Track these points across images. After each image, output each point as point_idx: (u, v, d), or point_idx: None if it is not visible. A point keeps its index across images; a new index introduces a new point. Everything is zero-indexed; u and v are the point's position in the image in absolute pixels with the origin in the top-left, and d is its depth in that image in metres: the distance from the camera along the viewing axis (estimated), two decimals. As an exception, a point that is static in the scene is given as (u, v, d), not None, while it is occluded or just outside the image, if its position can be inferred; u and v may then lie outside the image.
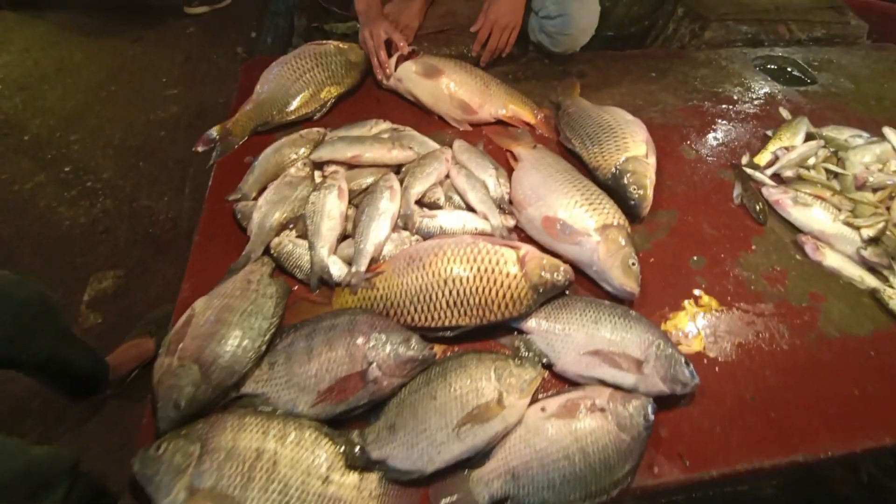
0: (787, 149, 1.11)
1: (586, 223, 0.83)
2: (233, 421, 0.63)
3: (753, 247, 0.95)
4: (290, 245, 0.84)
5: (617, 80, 1.33)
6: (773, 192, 1.02)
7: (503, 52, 1.28)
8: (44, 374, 0.97)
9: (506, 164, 1.04)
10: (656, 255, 0.92)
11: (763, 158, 1.12)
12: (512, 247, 0.80)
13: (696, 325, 0.83)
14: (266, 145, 1.00)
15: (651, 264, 0.90)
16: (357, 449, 0.65)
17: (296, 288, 0.82)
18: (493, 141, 1.10)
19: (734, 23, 1.53)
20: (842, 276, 0.91)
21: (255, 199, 0.91)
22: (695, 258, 0.92)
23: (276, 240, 0.85)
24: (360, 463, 0.64)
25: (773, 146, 1.13)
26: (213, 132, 1.04)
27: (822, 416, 0.74)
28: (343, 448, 0.64)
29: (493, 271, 0.76)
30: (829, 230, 0.95)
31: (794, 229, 0.99)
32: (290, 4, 2.42)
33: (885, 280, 0.91)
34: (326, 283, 0.82)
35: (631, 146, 0.98)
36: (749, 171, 1.08)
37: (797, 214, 0.98)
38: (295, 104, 1.07)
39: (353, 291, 0.79)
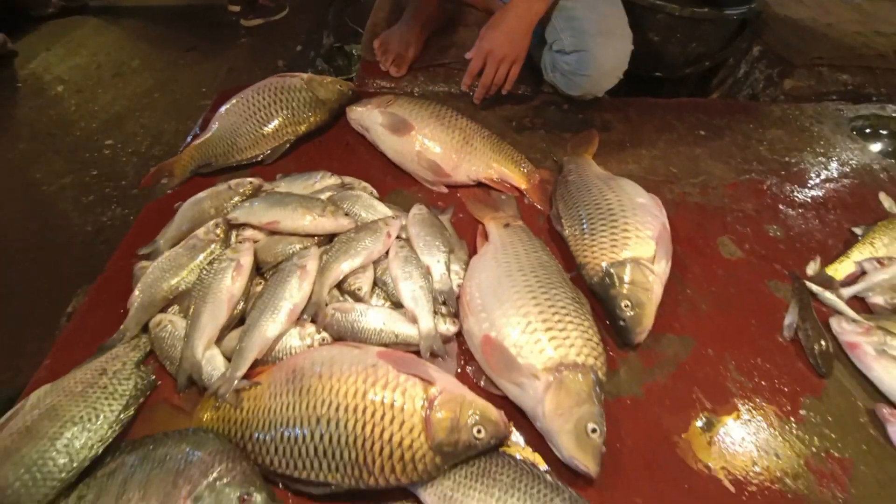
0: (880, 261, 0.77)
1: (534, 358, 0.59)
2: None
3: (803, 412, 0.65)
4: (170, 327, 0.69)
5: (651, 137, 1.05)
6: (846, 330, 0.70)
7: (503, 89, 1.04)
8: None
9: (475, 240, 0.83)
10: (647, 408, 0.65)
11: (842, 270, 0.79)
12: (425, 379, 0.59)
13: (683, 537, 0.55)
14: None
15: (636, 422, 0.64)
16: None
17: (160, 383, 0.67)
18: (467, 209, 0.89)
19: (830, 70, 1.18)
20: (947, 489, 0.59)
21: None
22: (702, 420, 0.64)
23: (157, 318, 0.70)
24: None
25: (859, 253, 0.80)
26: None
27: None
28: None
29: (383, 417, 0.55)
30: (933, 407, 0.62)
31: (875, 393, 0.66)
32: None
33: None
34: (196, 384, 0.66)
35: (633, 243, 0.72)
36: (814, 287, 0.76)
37: (882, 372, 0.66)
38: (242, 145, 0.93)
39: (217, 405, 0.62)
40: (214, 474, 0.54)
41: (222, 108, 0.97)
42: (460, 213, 0.89)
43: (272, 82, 0.98)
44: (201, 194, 0.84)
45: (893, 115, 1.12)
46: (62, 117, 2.18)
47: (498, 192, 0.91)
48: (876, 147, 1.05)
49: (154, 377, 0.67)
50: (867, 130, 1.09)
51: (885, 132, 1.10)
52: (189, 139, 1.03)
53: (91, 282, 1.51)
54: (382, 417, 0.55)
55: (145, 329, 0.71)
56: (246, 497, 0.52)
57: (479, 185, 0.93)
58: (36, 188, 1.85)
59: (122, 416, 0.62)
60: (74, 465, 0.56)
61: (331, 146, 1.02)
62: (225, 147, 0.93)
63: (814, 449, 0.62)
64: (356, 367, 0.59)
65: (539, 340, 0.60)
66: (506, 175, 0.92)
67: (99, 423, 0.60)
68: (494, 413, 0.58)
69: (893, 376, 0.65)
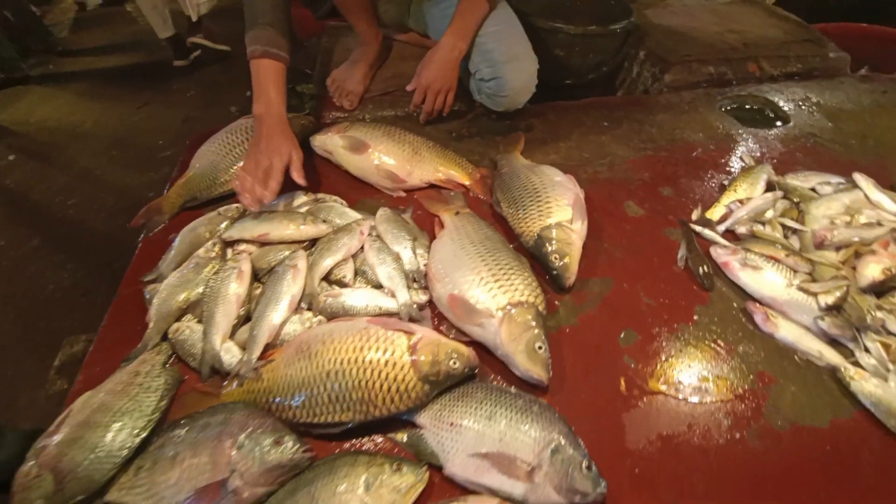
0: (741, 202, 1.01)
1: (489, 303, 0.77)
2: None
3: (696, 317, 0.86)
4: (188, 331, 0.82)
5: (566, 132, 1.28)
6: (720, 254, 0.92)
7: (442, 112, 1.26)
8: None
9: (433, 230, 1.00)
10: (582, 332, 0.84)
11: (716, 213, 1.03)
12: (406, 331, 0.75)
13: (616, 416, 0.73)
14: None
15: (574, 343, 0.82)
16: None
17: (186, 378, 0.79)
18: (423, 206, 1.07)
19: (698, 63, 1.47)
20: (797, 352, 0.80)
21: (171, 280, 0.91)
22: (624, 334, 0.83)
23: (175, 325, 0.83)
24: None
25: (727, 198, 1.04)
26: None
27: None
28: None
29: (378, 361, 0.71)
30: (782, 296, 0.85)
31: (745, 296, 0.88)
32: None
33: (850, 355, 0.79)
34: (218, 372, 0.79)
35: (554, 211, 0.92)
36: (697, 228, 0.99)
37: (746, 278, 0.88)
38: (222, 179, 1.07)
39: (240, 383, 0.76)
40: (250, 428, 0.67)
41: (200, 149, 1.11)
42: (418, 211, 1.06)
43: (242, 123, 1.13)
44: (195, 222, 0.97)
45: (750, 94, 1.41)
46: (19, 185, 2.21)
47: (447, 190, 1.10)
48: (738, 119, 1.32)
49: (180, 373, 0.79)
50: (731, 107, 1.37)
51: (747, 107, 1.39)
52: (168, 185, 1.16)
53: (78, 333, 1.56)
54: (378, 362, 0.71)
55: (164, 338, 0.84)
56: (279, 440, 0.66)
57: (431, 186, 1.11)
58: (3, 254, 1.87)
59: (159, 405, 0.74)
60: (128, 444, 0.68)
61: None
62: (207, 182, 1.07)
63: (706, 341, 0.82)
64: (352, 331, 0.75)
65: (491, 289, 0.78)
66: (452, 175, 1.11)
67: (141, 411, 0.72)
68: (464, 348, 0.74)
69: (754, 280, 0.87)
